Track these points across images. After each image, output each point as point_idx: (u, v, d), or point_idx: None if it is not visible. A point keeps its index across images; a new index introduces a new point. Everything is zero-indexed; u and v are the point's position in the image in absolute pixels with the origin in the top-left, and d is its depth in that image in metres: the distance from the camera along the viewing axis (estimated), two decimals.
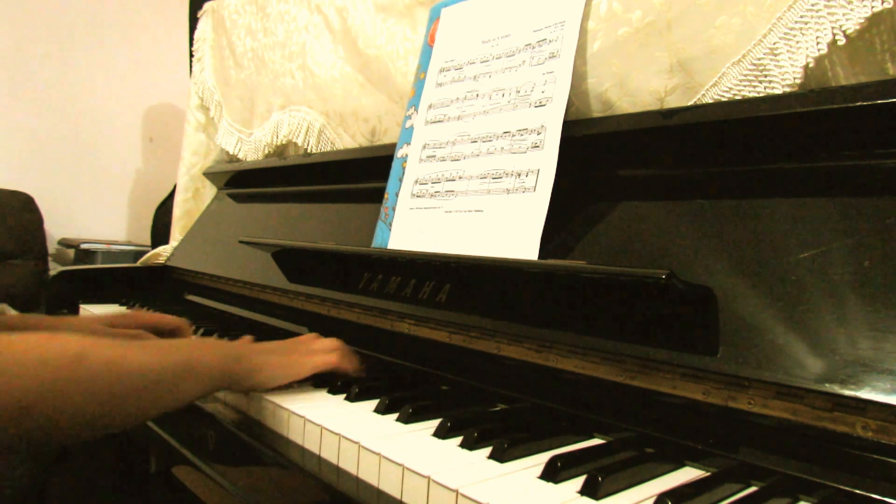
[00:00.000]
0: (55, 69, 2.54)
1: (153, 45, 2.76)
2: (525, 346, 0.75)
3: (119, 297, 1.55)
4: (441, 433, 0.64)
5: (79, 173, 2.60)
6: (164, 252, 1.74)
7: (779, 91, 0.67)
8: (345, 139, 1.34)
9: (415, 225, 0.92)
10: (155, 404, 0.66)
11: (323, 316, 1.08)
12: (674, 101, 0.77)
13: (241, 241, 1.23)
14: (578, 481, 0.53)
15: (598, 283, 0.69)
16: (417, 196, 0.93)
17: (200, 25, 1.80)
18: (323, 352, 0.84)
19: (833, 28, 0.63)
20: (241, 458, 0.73)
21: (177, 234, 1.78)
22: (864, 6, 0.61)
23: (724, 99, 0.72)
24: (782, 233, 0.60)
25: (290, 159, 1.41)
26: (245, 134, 1.63)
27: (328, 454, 0.65)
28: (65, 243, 2.43)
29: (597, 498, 0.51)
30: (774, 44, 0.67)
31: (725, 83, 0.72)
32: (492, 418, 0.71)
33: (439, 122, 0.95)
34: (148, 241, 2.37)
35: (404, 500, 0.55)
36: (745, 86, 0.70)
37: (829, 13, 0.63)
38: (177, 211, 1.80)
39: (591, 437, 0.67)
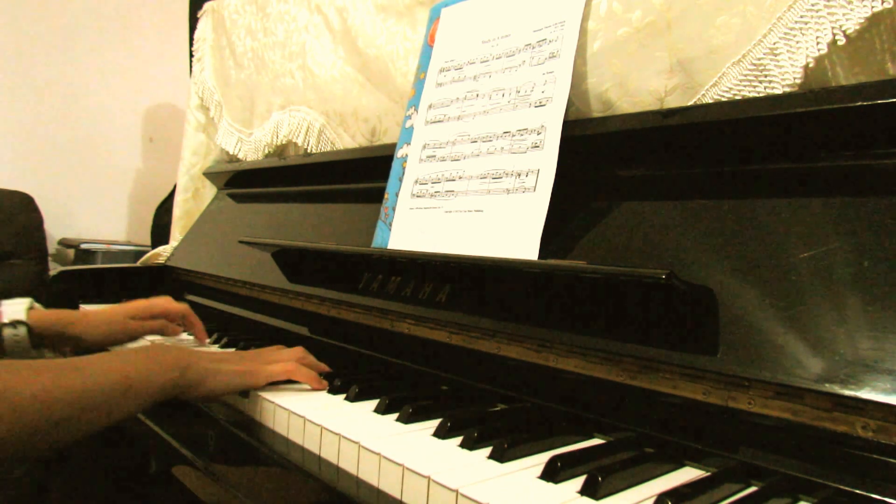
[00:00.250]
0: (55, 69, 2.54)
1: (153, 45, 2.76)
2: (525, 346, 0.75)
3: (119, 297, 1.54)
4: (441, 433, 0.64)
5: (79, 173, 2.60)
6: (164, 252, 1.74)
7: (779, 91, 0.67)
8: (345, 139, 1.34)
9: (415, 225, 0.92)
10: (91, 425, 0.67)
11: (323, 316, 1.08)
12: (674, 101, 0.77)
13: (241, 241, 1.23)
14: (578, 481, 0.53)
15: (598, 283, 0.69)
16: (417, 196, 0.93)
17: (200, 25, 1.80)
18: (282, 361, 0.83)
19: (833, 28, 0.63)
20: (241, 458, 0.73)
21: (177, 234, 1.78)
22: (864, 6, 0.61)
23: (724, 99, 0.72)
24: (782, 233, 0.60)
25: (290, 159, 1.41)
26: (245, 134, 1.63)
27: (328, 454, 0.65)
28: (65, 243, 2.43)
29: (597, 498, 0.51)
30: (774, 44, 0.67)
31: (725, 83, 0.72)
32: (492, 418, 0.71)
33: (439, 122, 0.95)
34: (148, 241, 2.37)
35: (404, 500, 0.55)
36: (745, 86, 0.70)
37: (829, 13, 0.63)
38: (177, 211, 1.80)
39: (591, 437, 0.67)
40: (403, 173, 0.97)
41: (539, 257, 0.74)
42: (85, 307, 1.44)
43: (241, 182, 1.66)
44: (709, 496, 0.52)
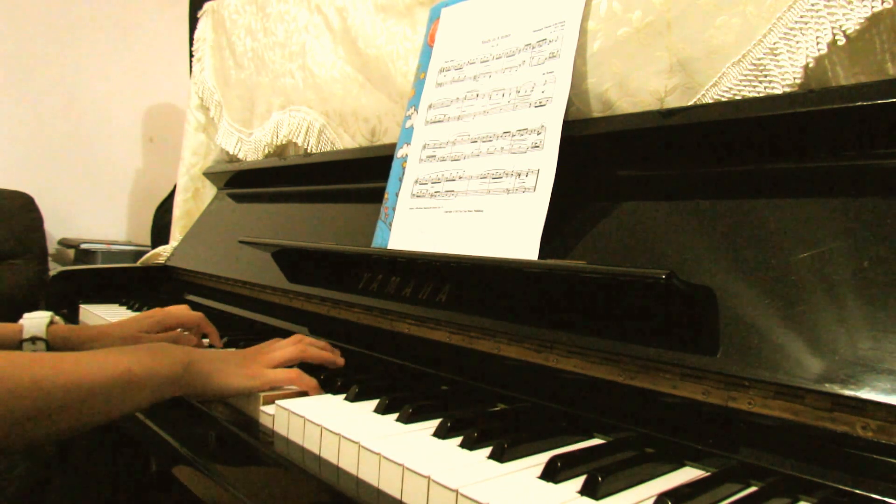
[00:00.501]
0: (55, 69, 2.54)
1: (153, 45, 2.76)
2: (525, 346, 0.75)
3: (119, 297, 1.55)
4: (441, 433, 0.64)
5: (79, 173, 2.60)
6: (164, 252, 1.74)
7: (779, 91, 0.67)
8: (345, 139, 1.34)
9: (415, 225, 0.92)
10: (92, 416, 0.67)
11: (323, 316, 1.08)
12: (674, 101, 0.77)
13: (240, 241, 1.23)
14: (578, 481, 0.53)
15: (598, 283, 0.69)
16: (417, 196, 0.93)
17: (200, 25, 1.80)
18: (284, 351, 0.83)
19: (833, 28, 0.63)
20: (241, 458, 0.73)
21: (177, 234, 1.78)
22: (864, 6, 0.61)
23: (724, 99, 0.72)
24: (782, 233, 0.60)
25: (290, 159, 1.41)
26: (245, 134, 1.63)
27: (328, 454, 0.65)
28: (65, 243, 2.43)
29: (597, 498, 0.51)
30: (774, 44, 0.67)
31: (725, 83, 0.72)
32: (492, 418, 0.71)
33: (439, 122, 0.95)
34: (148, 241, 2.37)
35: (404, 500, 0.55)
36: (745, 86, 0.70)
37: (829, 13, 0.63)
38: (177, 211, 1.80)
39: (591, 437, 0.67)
40: (403, 173, 0.97)
41: (539, 257, 0.74)
42: (85, 307, 1.44)
43: (241, 182, 1.66)
44: (709, 496, 0.52)
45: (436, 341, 0.86)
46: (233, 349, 0.86)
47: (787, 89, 0.67)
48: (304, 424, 0.68)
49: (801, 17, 0.65)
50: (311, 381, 0.80)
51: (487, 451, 0.60)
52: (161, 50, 2.76)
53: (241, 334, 1.16)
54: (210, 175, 1.75)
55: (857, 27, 0.62)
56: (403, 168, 0.98)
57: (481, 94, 0.90)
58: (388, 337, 0.95)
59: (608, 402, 0.68)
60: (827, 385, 0.51)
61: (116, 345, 1.02)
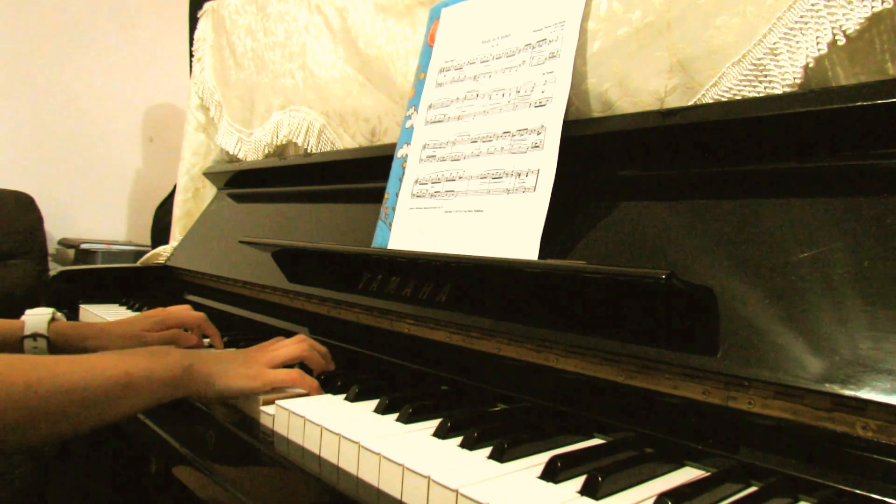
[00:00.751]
0: (55, 69, 2.54)
1: (153, 45, 2.76)
2: (525, 346, 0.75)
3: (119, 297, 1.55)
4: (441, 433, 0.64)
5: (79, 173, 2.60)
6: (164, 252, 1.74)
7: (779, 91, 0.67)
8: (345, 139, 1.34)
9: (415, 225, 0.92)
10: (90, 419, 0.67)
11: (323, 316, 1.08)
12: (674, 101, 0.77)
13: (241, 241, 1.23)
14: (578, 481, 0.53)
15: (598, 283, 0.69)
16: (417, 196, 0.93)
17: (200, 25, 1.80)
18: (286, 351, 0.83)
19: (833, 28, 0.63)
20: (241, 458, 0.73)
21: (177, 234, 1.78)
22: (864, 6, 0.61)
23: (724, 99, 0.72)
24: (782, 233, 0.60)
25: (290, 159, 1.41)
26: (245, 134, 1.63)
27: (328, 454, 0.65)
28: (65, 243, 2.43)
29: (597, 498, 0.51)
30: (774, 44, 0.67)
31: (725, 83, 0.72)
32: (492, 418, 0.71)
33: (439, 122, 0.95)
34: (148, 241, 2.37)
35: (404, 500, 0.55)
36: (745, 86, 0.70)
37: (829, 13, 0.63)
38: (177, 211, 1.80)
39: (591, 437, 0.67)
40: (403, 173, 0.97)
41: (539, 257, 0.74)
42: (85, 307, 1.44)
43: (241, 182, 1.66)
44: (709, 496, 0.52)
45: (436, 341, 0.86)
46: (233, 349, 0.86)
47: (787, 89, 0.67)
48: (305, 424, 0.68)
49: (801, 17, 0.65)
50: (312, 382, 0.80)
51: (487, 451, 0.60)
52: (161, 50, 2.76)
53: (241, 334, 1.16)
54: (210, 175, 1.75)
55: (857, 27, 0.62)
56: (403, 168, 0.98)
57: (481, 94, 0.90)
58: (389, 337, 0.95)
59: (608, 402, 0.68)
60: (827, 385, 0.51)
61: (117, 343, 1.03)
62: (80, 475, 1.44)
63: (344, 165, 1.23)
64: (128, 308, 1.45)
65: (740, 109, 0.66)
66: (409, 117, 1.01)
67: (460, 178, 0.88)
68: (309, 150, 1.39)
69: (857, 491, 0.50)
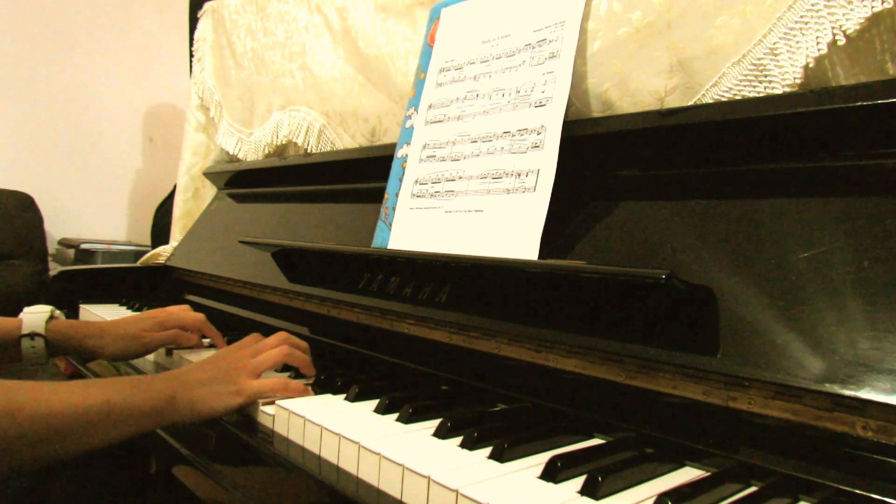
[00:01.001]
0: (55, 69, 2.54)
1: (153, 45, 2.76)
2: (525, 346, 0.75)
3: (119, 297, 1.55)
4: (441, 433, 0.64)
5: (79, 173, 2.60)
6: (164, 252, 1.74)
7: (779, 91, 0.67)
8: (345, 139, 1.34)
9: (415, 225, 0.92)
10: (70, 447, 0.66)
11: (323, 316, 1.08)
12: (674, 101, 0.77)
13: (241, 242, 1.23)
14: (578, 481, 0.53)
15: (598, 283, 0.69)
16: (417, 196, 0.93)
17: (200, 25, 1.80)
18: (268, 369, 0.81)
19: (833, 28, 0.63)
20: (241, 458, 0.73)
21: (177, 234, 1.78)
22: (864, 6, 0.61)
23: (724, 99, 0.72)
24: (782, 233, 0.60)
25: (290, 159, 1.41)
26: (245, 134, 1.63)
27: (328, 454, 0.65)
28: (65, 243, 2.43)
29: (597, 498, 0.51)
30: (774, 44, 0.67)
31: (725, 83, 0.72)
32: (492, 418, 0.71)
33: (439, 122, 0.95)
34: (148, 241, 2.37)
35: (404, 500, 0.55)
36: (745, 86, 0.70)
37: (829, 13, 0.63)
38: (177, 211, 1.80)
39: (591, 437, 0.67)
40: (403, 173, 0.97)
41: (539, 257, 0.74)
42: (85, 307, 1.44)
43: (241, 182, 1.66)
44: (709, 496, 0.52)
45: (436, 341, 0.86)
46: (215, 355, 0.85)
47: (787, 89, 0.67)
48: (305, 424, 0.68)
49: (801, 17, 0.65)
50: (297, 387, 0.79)
51: (487, 451, 0.60)
52: (161, 50, 2.76)
53: (241, 335, 1.15)
54: (210, 175, 1.75)
55: (857, 27, 0.62)
56: (403, 168, 0.98)
57: (481, 94, 0.90)
58: (389, 337, 0.95)
59: (608, 402, 0.68)
60: (827, 385, 0.51)
61: (117, 343, 1.03)
62: (79, 475, 1.44)
63: (344, 165, 1.23)
64: (128, 308, 1.45)
65: (740, 109, 0.66)
66: (409, 117, 1.01)
67: (460, 178, 0.88)
68: (309, 150, 1.39)
69: (857, 491, 0.50)
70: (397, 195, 0.97)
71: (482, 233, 0.82)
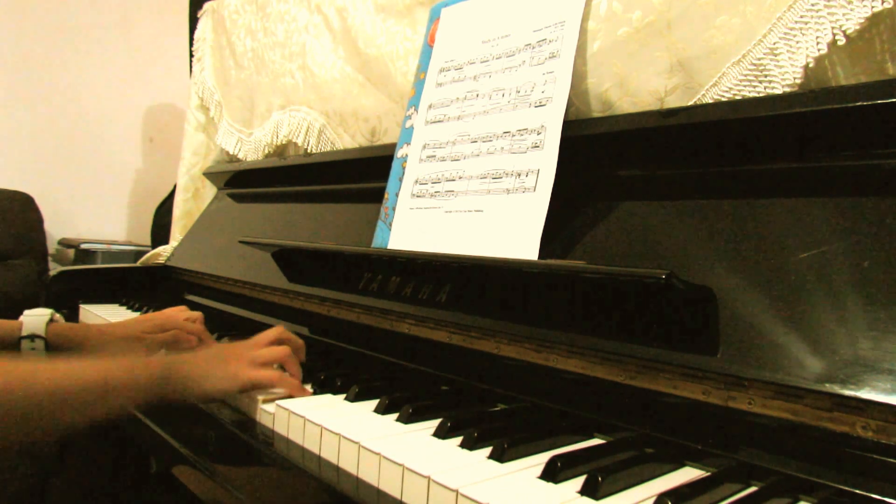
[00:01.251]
0: (55, 69, 2.53)
1: (153, 45, 2.76)
2: (525, 346, 0.75)
3: (119, 297, 1.55)
4: (441, 433, 0.64)
5: (79, 173, 2.60)
6: (164, 252, 1.74)
7: (779, 91, 0.67)
8: (345, 139, 1.34)
9: (415, 225, 0.92)
10: (68, 423, 0.68)
11: (323, 316, 1.08)
12: (674, 101, 0.77)
13: (241, 241, 1.23)
14: (578, 481, 0.53)
15: (598, 283, 0.69)
16: (417, 196, 0.93)
17: (200, 25, 1.80)
18: (265, 363, 0.82)
19: (833, 28, 0.63)
20: (241, 458, 0.73)
21: (177, 234, 1.78)
22: (864, 6, 0.61)
23: (724, 99, 0.72)
24: (782, 233, 0.60)
25: (290, 159, 1.41)
26: (245, 134, 1.63)
27: (328, 454, 0.65)
28: (65, 243, 2.43)
29: (597, 498, 0.51)
30: (774, 44, 0.67)
31: (725, 83, 0.72)
32: (492, 418, 0.71)
33: (439, 122, 0.95)
34: (148, 241, 2.37)
35: (404, 500, 0.55)
36: (745, 86, 0.70)
37: (829, 13, 0.63)
38: (177, 211, 1.80)
39: (591, 437, 0.67)
40: (403, 173, 0.97)
41: (539, 257, 0.74)
42: (85, 307, 1.44)
43: (241, 182, 1.66)
44: (709, 496, 0.52)
45: (436, 341, 0.86)
46: (217, 346, 0.86)
47: (787, 89, 0.67)
48: (305, 424, 0.68)
49: (801, 17, 0.65)
50: (292, 382, 0.79)
51: (487, 451, 0.60)
52: (161, 50, 2.76)
53: (240, 335, 1.15)
54: (210, 175, 1.75)
55: (857, 27, 0.62)
56: (403, 168, 0.98)
57: (481, 94, 0.90)
58: (389, 337, 0.95)
59: (608, 402, 0.68)
60: (827, 385, 0.51)
61: (118, 345, 1.03)
62: (80, 475, 1.44)
63: (344, 165, 1.23)
64: (128, 308, 1.45)
65: (740, 109, 0.66)
66: (409, 117, 1.01)
67: (460, 178, 0.88)
68: (309, 150, 1.39)
69: (857, 491, 0.50)
70: (397, 195, 0.97)
71: (482, 233, 0.82)
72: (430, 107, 0.98)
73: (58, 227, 2.49)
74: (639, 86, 0.80)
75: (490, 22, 0.93)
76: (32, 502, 1.38)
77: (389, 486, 0.57)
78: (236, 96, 1.66)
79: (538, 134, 0.80)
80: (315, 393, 0.81)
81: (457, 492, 0.51)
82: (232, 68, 1.68)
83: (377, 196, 1.02)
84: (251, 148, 1.59)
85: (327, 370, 0.88)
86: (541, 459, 0.57)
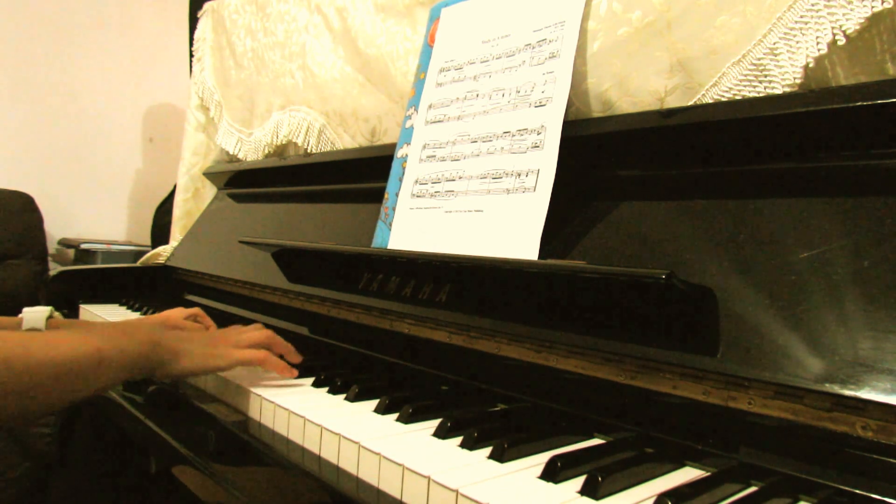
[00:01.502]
0: (55, 69, 2.53)
1: (153, 45, 2.76)
2: (525, 346, 0.75)
3: (119, 297, 1.55)
4: (441, 433, 0.64)
5: (79, 173, 2.60)
6: (164, 252, 1.74)
7: (779, 91, 0.67)
8: (345, 139, 1.34)
9: (415, 225, 0.92)
10: (64, 394, 0.68)
11: (323, 316, 1.08)
12: (674, 101, 0.77)
13: (241, 241, 1.23)
14: (578, 481, 0.53)
15: (598, 283, 0.69)
16: (417, 196, 0.93)
17: (200, 25, 1.80)
18: (250, 346, 0.85)
19: (833, 28, 0.63)
20: (241, 458, 0.73)
21: (177, 234, 1.78)
22: (864, 6, 0.61)
23: (724, 99, 0.72)
24: (782, 233, 0.60)
25: (290, 159, 1.41)
26: (245, 134, 1.63)
27: (328, 454, 0.65)
28: (65, 243, 2.43)
29: (597, 498, 0.51)
30: (774, 44, 0.67)
31: (725, 83, 0.72)
32: (492, 418, 0.71)
33: (439, 122, 0.95)
34: (148, 241, 2.37)
35: (404, 500, 0.55)
36: (745, 86, 0.70)
37: (829, 13, 0.63)
38: (177, 211, 1.80)
39: (591, 437, 0.67)
40: (403, 173, 0.97)
41: (539, 257, 0.74)
42: (85, 307, 1.44)
43: (241, 182, 1.66)
44: (709, 496, 0.52)
45: (436, 341, 0.86)
46: (204, 331, 0.90)
47: (787, 89, 0.67)
48: (304, 424, 0.68)
49: (801, 17, 0.65)
50: (279, 362, 0.83)
51: (487, 451, 0.60)
52: (161, 50, 2.76)
53: None
54: (210, 175, 1.75)
55: (857, 27, 0.62)
56: (403, 168, 0.98)
57: (481, 94, 0.90)
58: (389, 337, 0.95)
59: (608, 402, 0.68)
60: (827, 385, 0.51)
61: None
62: (80, 475, 1.44)
63: (344, 165, 1.23)
64: (128, 308, 1.45)
65: (740, 109, 0.66)
66: (409, 117, 1.01)
67: (460, 178, 0.88)
68: (309, 150, 1.39)
69: (857, 491, 0.50)
70: (397, 195, 0.97)
71: (482, 233, 0.82)
72: (430, 107, 0.98)
73: (58, 227, 2.49)
74: (639, 86, 0.80)
75: (490, 22, 0.93)
76: (32, 502, 1.38)
77: (389, 486, 0.57)
78: (236, 96, 1.66)
79: (538, 134, 0.80)
80: (312, 384, 0.81)
81: (457, 492, 0.51)
82: (232, 68, 1.68)
83: (377, 196, 1.02)
84: (251, 148, 1.59)
85: (327, 370, 0.88)
86: (541, 459, 0.57)
